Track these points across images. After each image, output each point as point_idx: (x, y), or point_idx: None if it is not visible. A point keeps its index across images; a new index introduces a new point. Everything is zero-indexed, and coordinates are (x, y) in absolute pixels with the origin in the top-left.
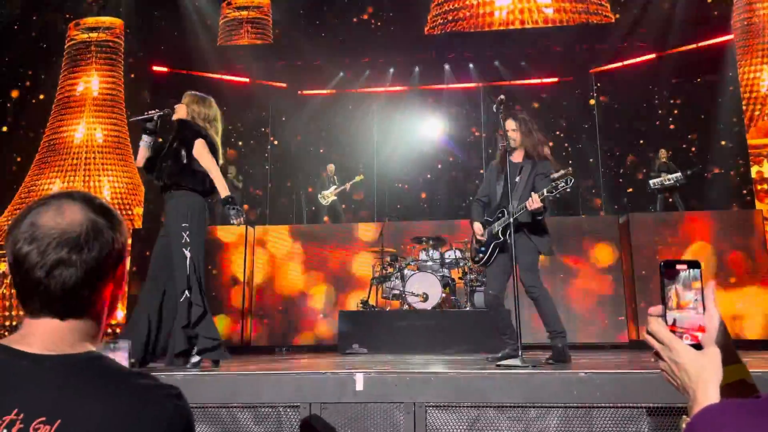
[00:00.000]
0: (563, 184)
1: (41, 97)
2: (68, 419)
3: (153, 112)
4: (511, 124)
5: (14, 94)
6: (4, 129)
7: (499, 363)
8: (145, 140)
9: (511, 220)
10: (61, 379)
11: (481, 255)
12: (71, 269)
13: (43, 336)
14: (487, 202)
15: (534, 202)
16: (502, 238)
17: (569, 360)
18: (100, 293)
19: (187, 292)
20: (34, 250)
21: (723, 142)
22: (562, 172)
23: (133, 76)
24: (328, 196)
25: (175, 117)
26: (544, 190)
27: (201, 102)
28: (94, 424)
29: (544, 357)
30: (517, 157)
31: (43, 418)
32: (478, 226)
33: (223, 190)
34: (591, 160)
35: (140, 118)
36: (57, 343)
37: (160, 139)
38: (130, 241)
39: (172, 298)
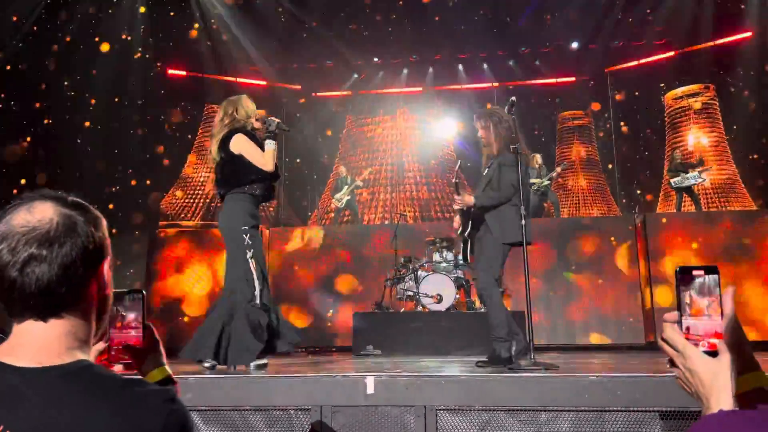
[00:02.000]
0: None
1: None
2: None
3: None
4: (476, 124)
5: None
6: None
7: (510, 366)
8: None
9: (459, 210)
10: (51, 393)
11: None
12: (43, 265)
13: (31, 346)
14: None
15: (457, 201)
16: (461, 235)
17: (508, 364)
18: (81, 291)
19: None
20: (5, 248)
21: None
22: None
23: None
24: (341, 197)
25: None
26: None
27: None
28: None
29: (554, 360)
30: (489, 151)
31: None
32: (456, 220)
33: None
34: (611, 158)
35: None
36: (46, 353)
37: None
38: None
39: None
